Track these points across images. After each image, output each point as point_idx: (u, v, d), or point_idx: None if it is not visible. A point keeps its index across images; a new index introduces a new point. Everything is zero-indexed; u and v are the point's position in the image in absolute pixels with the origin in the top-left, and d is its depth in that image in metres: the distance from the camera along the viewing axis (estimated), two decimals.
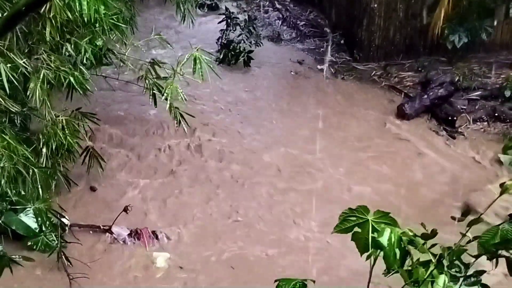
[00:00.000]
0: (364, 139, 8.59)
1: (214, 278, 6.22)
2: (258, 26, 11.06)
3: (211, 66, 6.28)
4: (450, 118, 8.94)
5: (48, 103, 5.73)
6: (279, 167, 7.85)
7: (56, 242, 6.04)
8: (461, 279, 2.41)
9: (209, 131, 8.40)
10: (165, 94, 6.16)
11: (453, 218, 2.89)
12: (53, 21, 5.39)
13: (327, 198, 7.31)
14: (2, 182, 5.21)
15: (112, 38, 6.32)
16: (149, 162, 7.78)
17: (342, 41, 11.12)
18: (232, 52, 10.21)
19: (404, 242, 2.32)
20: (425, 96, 9.14)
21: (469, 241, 2.35)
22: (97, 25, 5.81)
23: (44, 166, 5.89)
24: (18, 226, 6.02)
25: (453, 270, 2.40)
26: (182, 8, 7.42)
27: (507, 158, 7.82)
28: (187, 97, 6.80)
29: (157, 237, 6.54)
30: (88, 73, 6.20)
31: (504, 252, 2.32)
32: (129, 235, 6.50)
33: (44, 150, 5.94)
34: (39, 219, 6.04)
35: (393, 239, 2.30)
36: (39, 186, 5.56)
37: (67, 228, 6.40)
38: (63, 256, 5.97)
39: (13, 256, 4.82)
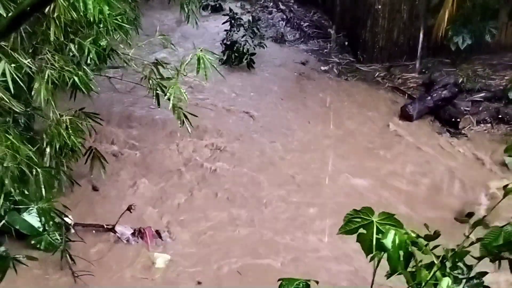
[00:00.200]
0: (367, 139, 8.58)
1: (215, 278, 6.20)
2: (262, 27, 11.07)
3: (215, 66, 6.28)
4: (453, 119, 8.92)
5: (53, 103, 5.74)
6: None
7: (60, 241, 6.05)
8: (464, 281, 2.41)
9: (212, 130, 8.41)
10: (168, 94, 6.16)
11: (457, 219, 2.89)
12: (57, 21, 5.40)
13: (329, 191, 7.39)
14: (6, 182, 5.21)
15: (116, 38, 6.33)
16: (154, 162, 7.79)
17: (345, 42, 11.12)
18: (236, 53, 10.21)
19: (408, 244, 2.32)
20: (429, 98, 9.12)
21: (472, 243, 2.35)
22: (101, 25, 5.83)
23: (47, 166, 5.90)
24: (21, 225, 6.04)
25: (456, 272, 2.40)
26: (186, 9, 7.43)
27: (511, 160, 7.81)
28: (191, 101, 6.81)
29: (160, 237, 6.54)
30: (91, 73, 6.21)
31: (507, 254, 2.33)
32: (133, 234, 6.50)
33: (47, 149, 5.96)
34: (43, 218, 6.06)
35: (397, 241, 2.30)
36: (43, 186, 5.56)
37: (70, 227, 6.41)
38: (67, 255, 5.98)
39: (17, 256, 4.86)
